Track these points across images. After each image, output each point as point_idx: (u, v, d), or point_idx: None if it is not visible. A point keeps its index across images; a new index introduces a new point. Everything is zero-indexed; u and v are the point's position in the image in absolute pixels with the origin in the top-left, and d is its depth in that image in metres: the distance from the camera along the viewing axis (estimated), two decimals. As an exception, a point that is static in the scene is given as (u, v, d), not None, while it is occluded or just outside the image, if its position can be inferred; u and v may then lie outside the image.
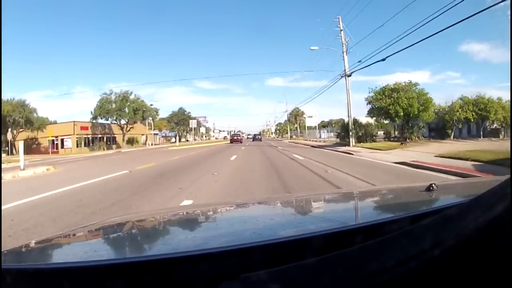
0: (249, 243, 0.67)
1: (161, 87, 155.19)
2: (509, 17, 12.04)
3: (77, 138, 39.94)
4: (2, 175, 8.95)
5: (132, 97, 45.54)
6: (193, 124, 50.62)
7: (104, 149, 40.15)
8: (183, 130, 79.59)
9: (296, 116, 63.74)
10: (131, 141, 48.42)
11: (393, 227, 0.57)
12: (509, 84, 15.11)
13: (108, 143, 45.47)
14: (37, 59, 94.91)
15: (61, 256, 0.93)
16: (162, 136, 70.99)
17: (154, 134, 62.98)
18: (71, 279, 0.59)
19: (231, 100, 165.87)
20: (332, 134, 44.13)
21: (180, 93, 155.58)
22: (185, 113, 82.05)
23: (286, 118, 77.53)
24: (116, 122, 45.36)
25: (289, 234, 0.81)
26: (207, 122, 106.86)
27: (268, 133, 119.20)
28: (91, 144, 41.58)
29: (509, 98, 27.30)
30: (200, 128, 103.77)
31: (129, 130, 45.79)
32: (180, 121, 79.40)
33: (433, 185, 1.18)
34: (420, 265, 0.39)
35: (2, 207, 4.65)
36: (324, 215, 1.29)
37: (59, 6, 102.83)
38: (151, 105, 48.27)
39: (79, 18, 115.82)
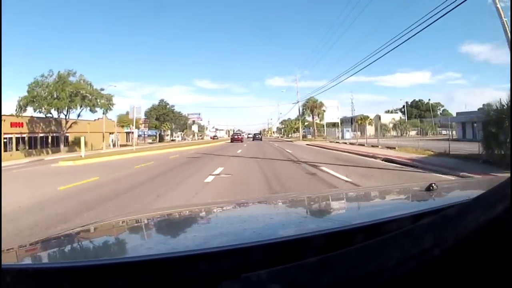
0: (249, 243, 0.67)
1: (161, 86, 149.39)
2: (509, 18, 9.82)
3: (4, 139, 27.69)
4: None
5: (74, 79, 31.05)
6: (134, 113, 26.87)
7: (48, 153, 30.83)
8: (167, 128, 65.00)
9: (312, 108, 45.68)
10: (77, 142, 34.28)
11: (393, 227, 0.57)
12: (509, 84, 11.29)
13: (55, 144, 33.27)
14: (37, 57, 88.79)
15: (61, 256, 0.92)
16: (141, 135, 56.53)
17: (128, 132, 47.63)
18: (71, 279, 0.59)
19: (231, 99, 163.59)
20: (354, 133, 34.10)
21: (180, 92, 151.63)
22: (168, 106, 66.86)
23: (296, 114, 60.87)
24: (51, 115, 31.90)
25: (290, 234, 0.81)
26: (201, 120, 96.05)
27: (269, 132, 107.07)
28: (27, 146, 30.31)
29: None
30: (192, 126, 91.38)
31: (70, 126, 32.84)
32: (161, 116, 63.69)
33: (433, 185, 1.17)
34: (420, 264, 0.39)
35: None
36: (324, 215, 1.28)
37: (59, 4, 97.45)
38: (102, 89, 33.03)
39: (79, 17, 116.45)
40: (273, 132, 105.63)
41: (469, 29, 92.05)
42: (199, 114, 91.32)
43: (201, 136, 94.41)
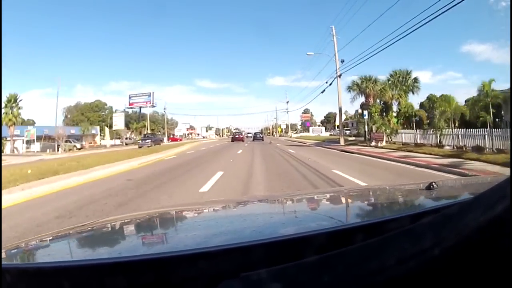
0: (249, 242, 0.67)
1: (161, 86, 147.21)
2: (509, 18, 10.42)
3: None
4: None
5: None
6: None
7: None
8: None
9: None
10: None
11: (393, 226, 0.57)
12: (509, 84, 13.70)
13: None
14: (37, 57, 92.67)
15: (61, 255, 0.91)
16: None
17: None
18: (70, 278, 0.59)
19: (231, 99, 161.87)
20: None
21: (181, 92, 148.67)
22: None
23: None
24: None
25: (290, 232, 0.80)
26: (154, 106, 52.90)
27: (279, 130, 78.24)
28: None
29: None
30: (115, 119, 49.01)
31: None
32: None
33: (434, 183, 1.17)
34: (420, 264, 0.39)
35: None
36: (324, 213, 1.27)
37: (59, 3, 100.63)
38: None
39: (79, 16, 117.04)
40: (281, 130, 78.53)
41: (470, 29, 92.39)
42: (150, 96, 49.39)
43: (126, 138, 50.63)
